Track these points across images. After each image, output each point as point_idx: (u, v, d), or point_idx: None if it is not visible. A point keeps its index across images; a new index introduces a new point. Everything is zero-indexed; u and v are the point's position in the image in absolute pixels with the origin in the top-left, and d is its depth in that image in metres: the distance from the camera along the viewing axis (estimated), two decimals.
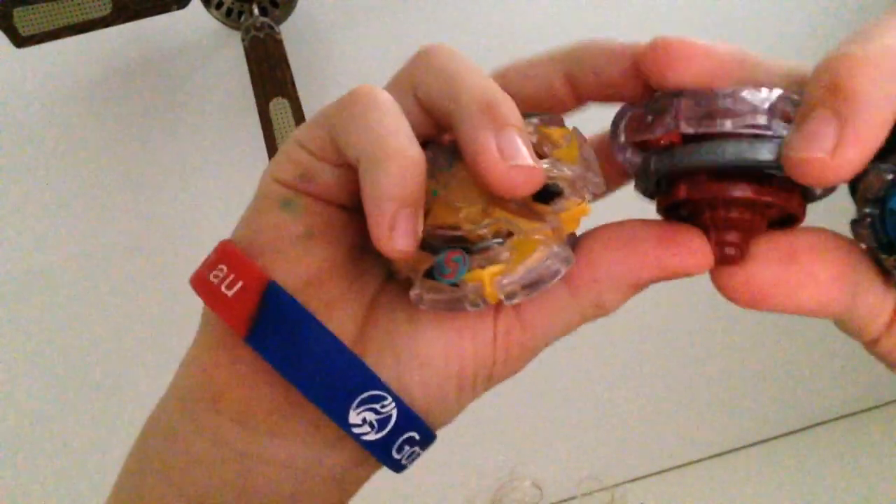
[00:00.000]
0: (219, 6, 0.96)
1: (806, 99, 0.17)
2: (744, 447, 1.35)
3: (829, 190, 0.21)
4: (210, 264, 0.22)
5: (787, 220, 0.22)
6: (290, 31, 1.00)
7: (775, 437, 1.36)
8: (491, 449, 1.24)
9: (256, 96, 0.90)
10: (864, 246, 0.20)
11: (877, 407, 1.38)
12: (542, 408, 1.27)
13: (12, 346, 1.09)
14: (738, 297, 0.20)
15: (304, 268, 0.22)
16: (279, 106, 0.90)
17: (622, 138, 0.21)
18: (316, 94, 1.02)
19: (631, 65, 0.21)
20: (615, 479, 1.20)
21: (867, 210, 0.19)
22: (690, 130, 0.19)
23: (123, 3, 0.85)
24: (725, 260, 0.20)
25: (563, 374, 1.26)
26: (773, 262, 0.20)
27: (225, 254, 0.22)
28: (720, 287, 0.20)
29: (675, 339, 1.29)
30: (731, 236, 0.20)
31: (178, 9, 0.89)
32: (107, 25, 0.86)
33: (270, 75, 0.90)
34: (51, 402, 1.12)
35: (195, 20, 0.99)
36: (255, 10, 0.95)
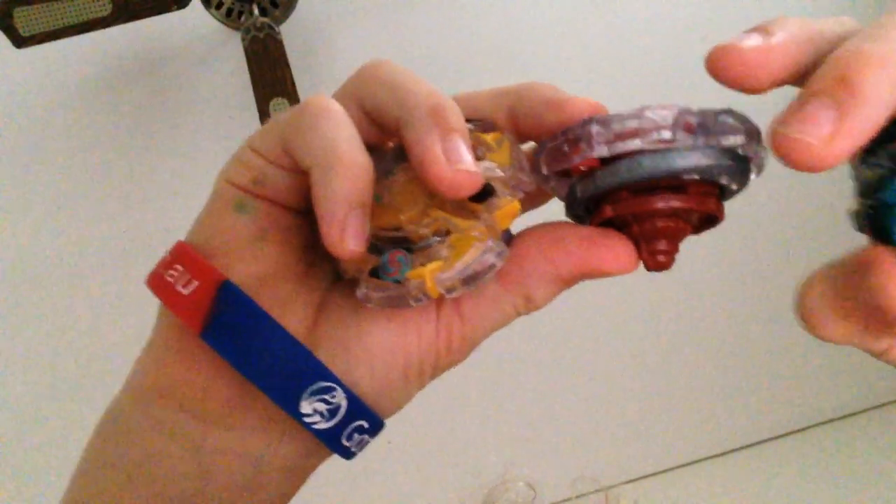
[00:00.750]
0: (219, 6, 0.96)
1: (810, 85, 0.17)
2: (743, 447, 1.35)
3: (742, 187, 0.23)
4: (166, 264, 0.23)
5: (710, 221, 0.23)
6: (290, 31, 1.00)
7: (775, 437, 1.36)
8: (484, 449, 1.24)
9: (256, 96, 0.90)
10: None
11: (877, 407, 1.38)
12: (535, 408, 1.27)
13: (11, 345, 1.09)
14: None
15: (258, 267, 0.23)
16: (279, 106, 0.90)
17: (544, 170, 0.23)
18: (316, 94, 1.02)
19: (566, 116, 0.22)
20: (610, 479, 1.21)
21: (866, 202, 0.19)
22: (605, 153, 0.21)
23: (123, 3, 0.85)
24: (658, 266, 0.23)
25: (557, 373, 1.26)
26: None
27: (181, 254, 0.23)
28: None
29: (672, 339, 1.29)
30: (661, 245, 0.22)
31: (178, 9, 0.89)
32: (107, 25, 0.86)
33: (270, 75, 0.90)
34: (48, 400, 1.12)
35: (195, 20, 0.99)
36: (255, 10, 0.95)
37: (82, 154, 1.05)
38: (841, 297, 0.19)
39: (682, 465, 1.33)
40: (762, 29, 0.19)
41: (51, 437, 1.13)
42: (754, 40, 0.19)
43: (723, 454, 1.35)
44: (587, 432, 1.30)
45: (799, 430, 1.36)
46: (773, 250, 1.25)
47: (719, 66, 0.19)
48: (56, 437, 1.13)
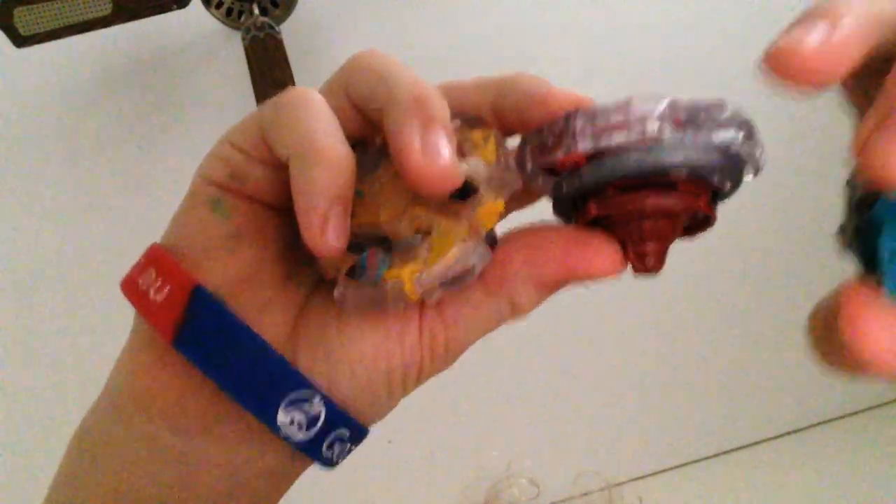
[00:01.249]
0: (219, 6, 0.96)
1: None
2: (744, 447, 1.35)
3: (736, 187, 0.22)
4: (140, 268, 0.22)
5: (702, 224, 0.22)
6: (290, 31, 1.00)
7: (775, 437, 1.35)
8: (486, 445, 1.24)
9: (256, 96, 0.90)
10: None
11: (877, 407, 1.37)
12: (539, 404, 1.27)
13: (11, 347, 1.09)
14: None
15: (234, 269, 0.22)
16: None
17: (529, 166, 0.22)
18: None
19: (551, 111, 0.21)
20: (613, 476, 1.20)
21: (852, 218, 0.18)
22: (589, 147, 0.20)
23: (123, 3, 0.85)
24: (646, 270, 0.21)
25: (560, 370, 1.26)
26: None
27: (154, 258, 0.22)
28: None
29: (675, 339, 1.29)
30: (649, 247, 0.21)
31: (178, 9, 0.89)
32: (107, 25, 0.86)
33: (270, 75, 0.90)
34: (49, 402, 1.12)
35: (195, 20, 0.99)
36: (255, 10, 0.95)
37: (82, 154, 1.05)
38: (830, 338, 0.17)
39: (685, 464, 1.33)
40: (827, 16, 0.16)
41: (52, 440, 1.13)
42: (820, 33, 0.16)
43: (728, 452, 1.35)
44: (591, 429, 1.30)
45: (799, 430, 1.36)
46: (774, 251, 1.25)
47: (780, 69, 0.16)
48: (56, 440, 1.13)
